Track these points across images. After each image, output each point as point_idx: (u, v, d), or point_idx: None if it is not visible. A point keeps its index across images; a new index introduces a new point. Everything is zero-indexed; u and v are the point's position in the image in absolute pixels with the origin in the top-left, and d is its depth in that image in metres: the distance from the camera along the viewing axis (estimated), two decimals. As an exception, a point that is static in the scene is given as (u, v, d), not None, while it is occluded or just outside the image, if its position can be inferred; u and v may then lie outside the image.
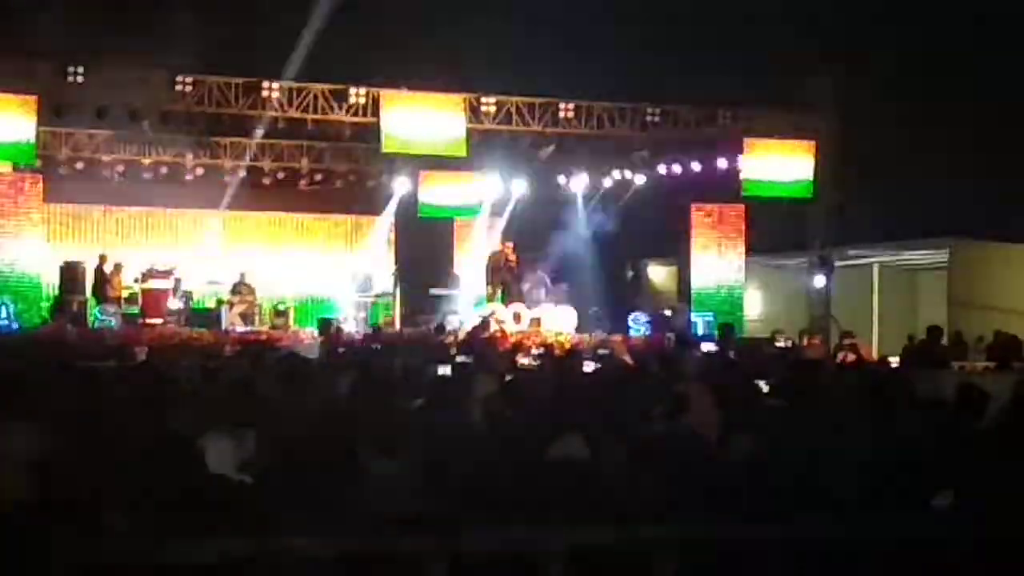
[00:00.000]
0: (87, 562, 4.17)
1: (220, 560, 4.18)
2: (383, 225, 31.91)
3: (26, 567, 4.14)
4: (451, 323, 24.57)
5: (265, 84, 23.99)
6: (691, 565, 4.90)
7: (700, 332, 25.53)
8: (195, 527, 4.57)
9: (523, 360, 16.59)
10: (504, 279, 26.39)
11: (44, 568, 4.15)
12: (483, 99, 25.06)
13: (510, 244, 27.33)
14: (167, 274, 26.30)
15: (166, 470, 5.51)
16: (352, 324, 25.79)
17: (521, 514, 5.14)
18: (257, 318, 26.23)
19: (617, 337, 23.70)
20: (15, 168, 25.25)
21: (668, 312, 27.61)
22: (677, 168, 28.01)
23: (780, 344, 21.63)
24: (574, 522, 4.99)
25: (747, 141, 26.03)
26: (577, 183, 30.05)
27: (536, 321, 25.14)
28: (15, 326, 23.08)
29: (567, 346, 21.48)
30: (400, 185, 30.78)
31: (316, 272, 30.61)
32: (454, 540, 4.58)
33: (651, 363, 13.37)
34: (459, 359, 15.62)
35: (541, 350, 18.04)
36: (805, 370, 11.88)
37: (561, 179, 30.40)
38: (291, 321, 26.80)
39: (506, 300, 25.97)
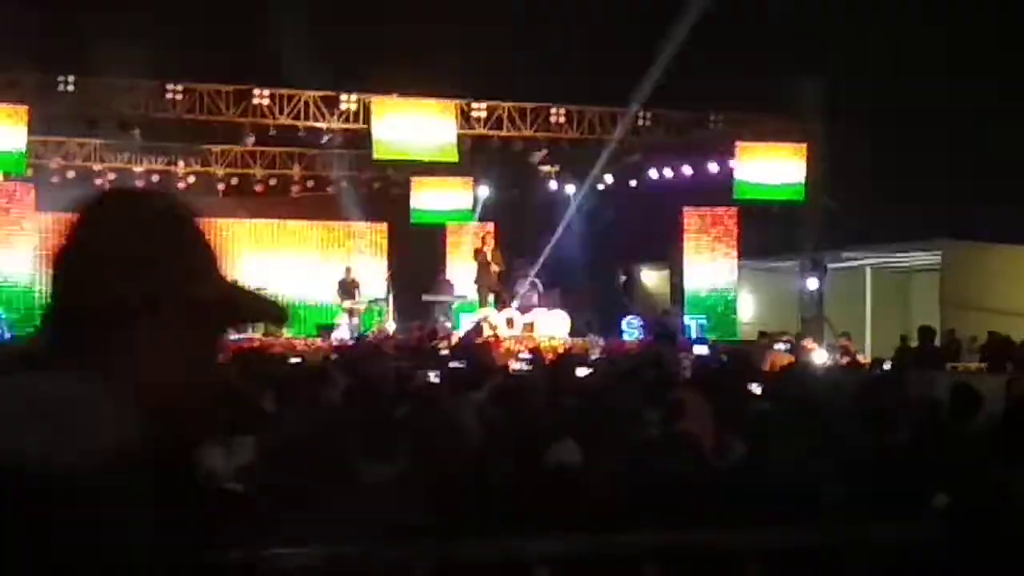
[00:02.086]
0: (78, 570, 4.14)
1: (211, 569, 4.15)
2: (375, 231, 31.91)
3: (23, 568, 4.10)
4: (444, 329, 24.55)
5: (256, 91, 23.98)
6: (685, 571, 4.88)
7: (693, 335, 25.55)
8: (186, 534, 4.53)
9: (514, 365, 16.55)
10: (493, 281, 26.32)
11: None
12: (474, 105, 25.07)
13: (488, 234, 27.41)
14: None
15: (156, 476, 5.46)
16: (345, 331, 25.71)
17: (514, 521, 5.12)
18: (250, 325, 26.15)
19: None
20: (6, 178, 25.23)
21: (663, 313, 27.66)
22: (669, 172, 28.03)
23: (781, 347, 21.58)
24: (567, 528, 4.97)
25: (739, 145, 26.02)
26: (569, 188, 30.05)
27: (529, 326, 25.10)
28: (8, 336, 23.03)
29: (560, 351, 21.45)
30: (392, 191, 30.76)
31: (308, 279, 30.53)
32: (447, 547, 4.56)
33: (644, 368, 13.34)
34: (452, 365, 15.58)
35: (530, 355, 17.96)
36: (797, 373, 11.88)
37: (553, 184, 30.39)
38: (284, 328, 26.74)
39: (499, 305, 25.95)
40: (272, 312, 2.18)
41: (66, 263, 1.89)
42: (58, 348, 1.86)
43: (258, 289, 2.17)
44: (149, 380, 1.85)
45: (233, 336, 24.58)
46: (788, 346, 21.91)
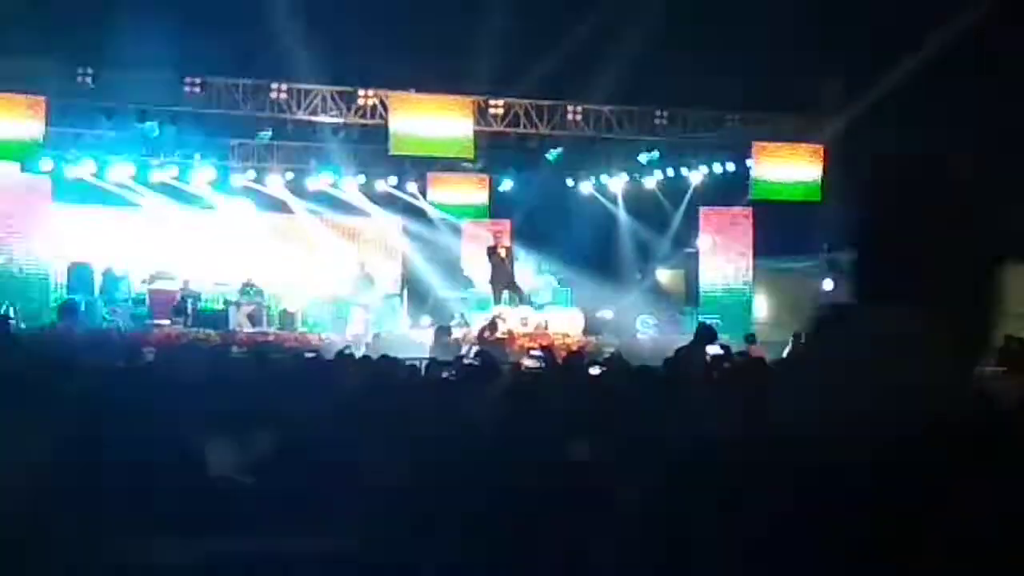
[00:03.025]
0: (88, 561, 4.16)
1: (220, 560, 4.16)
2: (391, 227, 31.78)
3: (29, 563, 4.13)
4: (458, 325, 24.53)
5: (273, 86, 24.00)
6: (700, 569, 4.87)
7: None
8: (194, 528, 4.55)
9: (526, 362, 16.54)
10: (508, 278, 26.26)
11: (47, 565, 4.14)
12: (491, 101, 25.07)
13: (504, 231, 27.42)
14: (175, 275, 26.31)
15: (167, 471, 5.49)
16: (361, 326, 25.65)
17: (523, 517, 5.12)
18: (264, 319, 26.17)
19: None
20: (23, 169, 25.23)
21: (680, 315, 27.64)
22: (685, 170, 28.03)
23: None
24: (577, 525, 4.97)
25: (756, 144, 26.03)
26: (585, 185, 30.03)
27: (543, 324, 25.10)
28: (22, 326, 23.04)
29: (573, 348, 21.43)
30: (408, 187, 30.69)
31: (323, 273, 30.41)
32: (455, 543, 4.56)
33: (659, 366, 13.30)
34: (466, 361, 15.57)
35: (541, 352, 17.93)
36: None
37: (569, 181, 30.38)
38: (298, 322, 26.75)
39: (514, 302, 25.92)
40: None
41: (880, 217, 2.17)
42: (875, 290, 2.13)
43: None
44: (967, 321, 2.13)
45: (248, 330, 24.72)
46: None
